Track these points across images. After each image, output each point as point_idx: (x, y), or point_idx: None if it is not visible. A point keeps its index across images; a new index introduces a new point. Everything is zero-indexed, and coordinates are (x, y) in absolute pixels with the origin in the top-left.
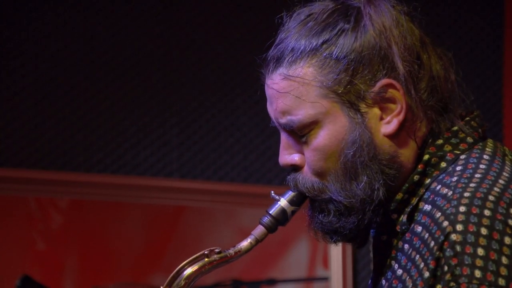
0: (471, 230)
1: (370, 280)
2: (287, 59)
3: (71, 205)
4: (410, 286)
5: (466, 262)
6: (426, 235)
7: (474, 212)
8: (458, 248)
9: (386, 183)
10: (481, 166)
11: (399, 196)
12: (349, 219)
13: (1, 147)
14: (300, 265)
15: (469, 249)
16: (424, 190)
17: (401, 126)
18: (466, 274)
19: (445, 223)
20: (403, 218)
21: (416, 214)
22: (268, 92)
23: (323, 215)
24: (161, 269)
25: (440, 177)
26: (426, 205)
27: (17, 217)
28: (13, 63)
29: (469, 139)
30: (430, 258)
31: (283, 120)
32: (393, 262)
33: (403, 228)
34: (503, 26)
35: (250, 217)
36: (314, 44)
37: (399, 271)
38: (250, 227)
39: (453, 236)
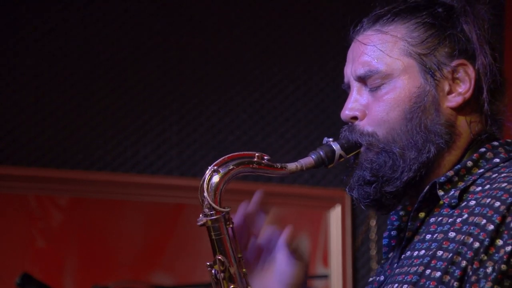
0: None
1: (382, 264)
2: (384, 19)
3: (71, 203)
4: (470, 241)
5: None
6: (488, 200)
7: None
8: None
9: (439, 146)
10: None
11: (451, 173)
12: (393, 169)
13: (0, 145)
14: None
15: None
16: (477, 177)
17: (464, 105)
18: None
19: None
20: (455, 193)
21: (464, 195)
22: (355, 47)
23: (368, 161)
24: (161, 267)
25: (496, 169)
26: (480, 187)
27: (17, 215)
28: (13, 60)
29: None
30: (495, 215)
31: (361, 71)
32: (428, 236)
33: (452, 201)
34: (503, 26)
35: None
36: (412, 11)
37: (451, 234)
38: None
39: None
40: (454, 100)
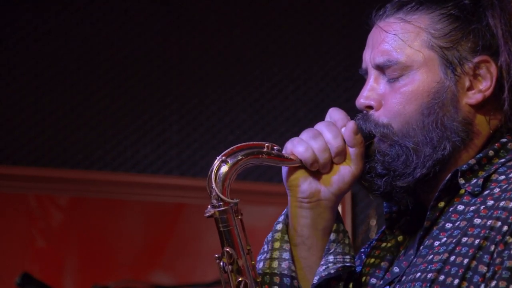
0: None
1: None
2: (408, 7)
3: (71, 202)
4: (498, 225)
5: None
6: None
7: None
8: None
9: (455, 144)
10: None
11: (473, 162)
12: (406, 164)
13: (0, 145)
14: None
15: None
16: (498, 166)
17: (483, 103)
18: None
19: None
20: (478, 181)
21: (487, 184)
22: (375, 33)
23: (381, 153)
24: (161, 266)
25: None
26: (503, 176)
27: (17, 215)
28: (13, 60)
29: None
30: None
31: (380, 59)
32: (449, 225)
33: (476, 190)
34: None
35: (249, 215)
36: (438, 1)
37: (477, 220)
38: (250, 224)
39: None
40: (473, 97)
